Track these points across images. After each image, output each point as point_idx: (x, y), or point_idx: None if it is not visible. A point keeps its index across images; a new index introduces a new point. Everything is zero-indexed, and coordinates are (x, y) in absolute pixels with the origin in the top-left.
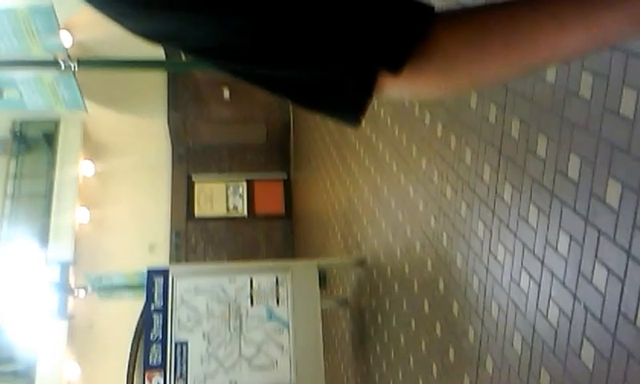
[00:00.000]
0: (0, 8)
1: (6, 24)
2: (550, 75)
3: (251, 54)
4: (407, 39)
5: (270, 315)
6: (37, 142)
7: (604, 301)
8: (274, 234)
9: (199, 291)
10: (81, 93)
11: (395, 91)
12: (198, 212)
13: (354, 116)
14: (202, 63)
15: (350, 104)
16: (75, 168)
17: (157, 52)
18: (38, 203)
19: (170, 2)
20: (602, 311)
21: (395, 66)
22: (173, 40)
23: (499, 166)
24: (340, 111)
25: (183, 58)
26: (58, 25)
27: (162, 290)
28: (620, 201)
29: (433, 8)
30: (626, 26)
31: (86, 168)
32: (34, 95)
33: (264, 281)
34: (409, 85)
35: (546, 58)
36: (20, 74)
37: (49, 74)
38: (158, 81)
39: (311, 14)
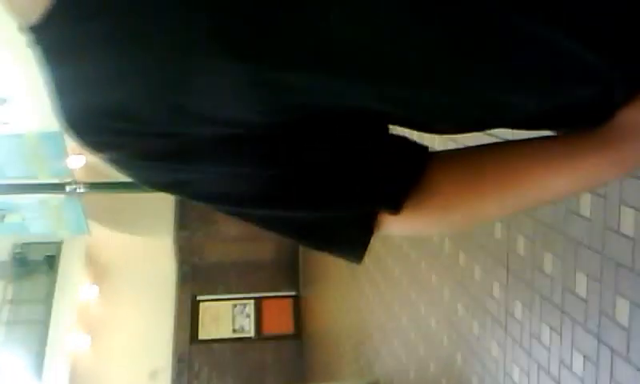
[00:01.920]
0: (10, 134)
1: (14, 150)
2: None
3: (261, 201)
4: (404, 181)
5: None
6: (38, 264)
7: None
8: (283, 355)
9: None
10: (85, 217)
11: (395, 229)
12: (202, 334)
13: (357, 254)
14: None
15: (352, 243)
16: (76, 292)
17: None
18: (35, 330)
19: (198, 156)
20: None
21: (394, 208)
22: (180, 188)
23: (508, 282)
24: (343, 250)
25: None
26: (67, 150)
27: None
28: (630, 319)
29: (427, 148)
30: (609, 169)
31: (87, 291)
32: (37, 220)
33: None
34: (408, 223)
35: (537, 199)
36: (24, 199)
37: (54, 198)
38: (165, 200)
39: (318, 164)
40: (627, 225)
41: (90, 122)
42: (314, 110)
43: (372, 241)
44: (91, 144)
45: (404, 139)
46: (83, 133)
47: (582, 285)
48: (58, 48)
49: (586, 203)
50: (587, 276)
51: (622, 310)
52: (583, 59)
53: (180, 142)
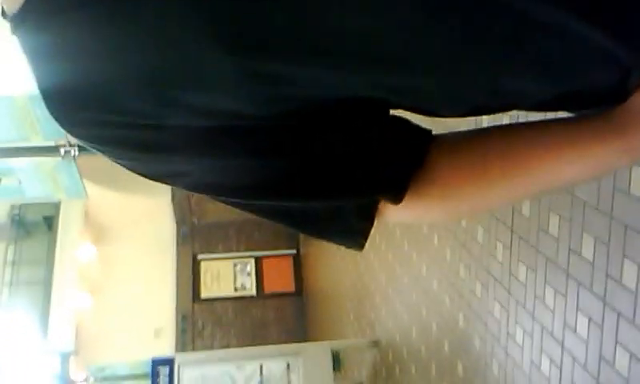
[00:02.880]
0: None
1: (5, 113)
2: None
3: (260, 192)
4: (405, 170)
5: None
6: (36, 225)
7: None
8: (284, 312)
9: (207, 381)
10: (82, 180)
11: (396, 217)
12: (204, 293)
13: (357, 242)
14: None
15: (353, 232)
16: (76, 252)
17: None
18: (37, 290)
19: (192, 148)
20: None
21: (395, 198)
22: (175, 179)
23: (512, 244)
24: (344, 239)
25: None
26: None
27: (167, 380)
28: (637, 282)
29: (429, 132)
30: (620, 157)
31: (87, 251)
32: (33, 183)
33: (274, 367)
34: (409, 211)
35: (544, 187)
36: (19, 162)
37: (49, 162)
38: None
39: (318, 154)
40: (638, 186)
41: (75, 115)
42: (312, 100)
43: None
44: (79, 136)
45: (406, 123)
46: (70, 125)
47: (588, 247)
48: (36, 40)
49: None
50: (594, 238)
51: (630, 273)
52: (597, 44)
53: (171, 134)
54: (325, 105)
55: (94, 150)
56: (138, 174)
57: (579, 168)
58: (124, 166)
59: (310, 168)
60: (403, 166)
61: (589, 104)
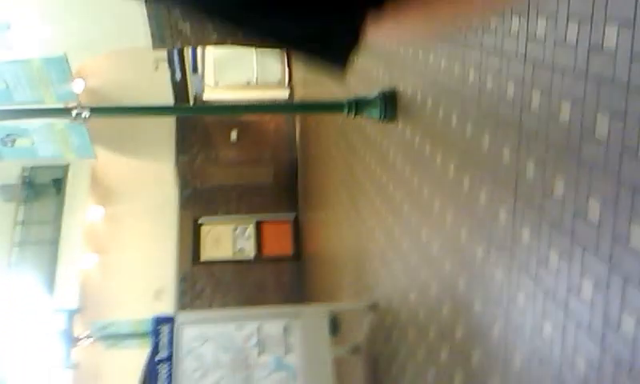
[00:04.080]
0: (16, 59)
1: (21, 75)
2: (564, 114)
3: (256, 5)
4: None
5: (279, 364)
6: (46, 187)
7: (633, 351)
8: (282, 276)
9: (206, 339)
10: (91, 141)
11: (380, 33)
12: (204, 255)
13: (341, 61)
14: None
15: (338, 49)
16: (83, 214)
17: (166, 98)
18: (45, 250)
19: None
20: (631, 362)
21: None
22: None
23: (515, 207)
24: (329, 56)
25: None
26: (71, 74)
27: (168, 338)
28: None
29: None
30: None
31: (93, 213)
32: (45, 144)
33: (272, 328)
34: (392, 23)
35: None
36: (32, 123)
37: (60, 122)
38: (166, 125)
39: None
40: None
41: None
42: None
43: (372, 166)
44: None
45: None
46: None
47: (594, 210)
48: None
49: (603, 124)
50: (601, 201)
51: (637, 236)
52: None
53: None
54: None
55: None
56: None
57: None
58: None
59: None
60: None
61: None
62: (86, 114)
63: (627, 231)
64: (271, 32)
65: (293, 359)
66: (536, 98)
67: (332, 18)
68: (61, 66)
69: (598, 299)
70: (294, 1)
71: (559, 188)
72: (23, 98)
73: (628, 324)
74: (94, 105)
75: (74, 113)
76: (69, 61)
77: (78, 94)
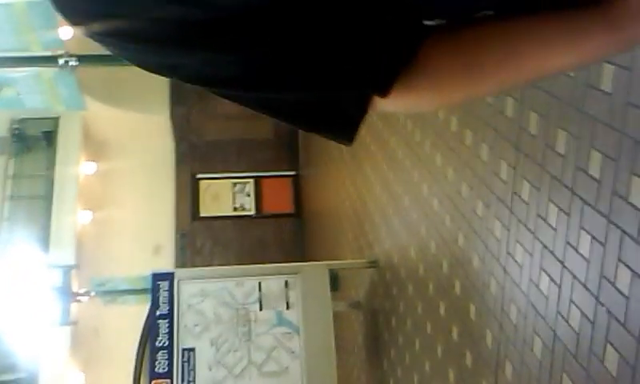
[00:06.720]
0: None
1: (3, 20)
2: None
3: (251, 83)
4: (392, 63)
5: (280, 320)
6: (36, 140)
7: (628, 304)
8: (282, 233)
9: (206, 295)
10: (80, 91)
11: (388, 107)
12: (203, 212)
13: (347, 133)
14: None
15: (343, 123)
16: (76, 167)
17: None
18: (38, 205)
19: (186, 41)
20: (625, 315)
21: (382, 89)
22: (171, 71)
23: (517, 162)
24: (334, 130)
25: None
26: (57, 20)
27: (167, 294)
28: None
29: (428, 26)
30: (612, 46)
31: (86, 167)
32: (32, 94)
33: (273, 284)
34: (401, 102)
35: (536, 76)
36: (18, 72)
37: (47, 72)
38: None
39: (307, 44)
40: None
41: (81, 7)
42: None
43: (374, 120)
44: (85, 28)
45: (400, 16)
46: (75, 18)
47: (596, 164)
48: None
49: (608, 76)
50: (603, 155)
51: (638, 190)
52: None
53: (170, 26)
54: None
55: (98, 43)
56: (139, 65)
57: (572, 58)
58: (126, 57)
59: (301, 59)
60: (390, 58)
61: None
62: (73, 62)
63: (627, 186)
64: (275, 106)
65: (293, 314)
66: None
67: (341, 93)
68: (46, 10)
69: (596, 253)
70: (300, 78)
71: (561, 142)
72: (6, 46)
73: (624, 278)
74: (83, 53)
75: (60, 61)
76: None
77: (65, 42)
